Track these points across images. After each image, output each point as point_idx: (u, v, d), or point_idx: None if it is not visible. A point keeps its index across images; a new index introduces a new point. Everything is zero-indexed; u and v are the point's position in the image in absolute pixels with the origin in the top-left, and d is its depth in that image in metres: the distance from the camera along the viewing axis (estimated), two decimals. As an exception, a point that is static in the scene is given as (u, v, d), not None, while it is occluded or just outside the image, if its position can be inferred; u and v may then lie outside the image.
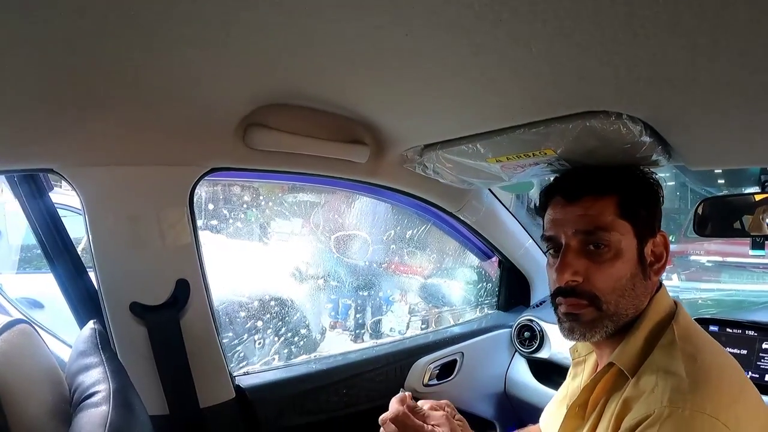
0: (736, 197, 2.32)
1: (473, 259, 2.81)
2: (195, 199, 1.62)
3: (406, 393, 1.41)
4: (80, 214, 1.48)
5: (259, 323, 2.63)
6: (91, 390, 1.05)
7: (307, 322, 3.10)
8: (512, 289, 2.75)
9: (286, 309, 2.87)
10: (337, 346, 3.48)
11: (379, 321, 3.58)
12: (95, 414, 0.99)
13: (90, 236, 1.49)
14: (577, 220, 1.26)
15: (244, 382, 1.85)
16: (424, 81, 1.17)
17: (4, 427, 0.86)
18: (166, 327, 1.58)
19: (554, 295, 1.30)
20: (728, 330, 2.21)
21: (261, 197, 2.95)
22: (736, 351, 2.16)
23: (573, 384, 1.46)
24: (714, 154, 1.47)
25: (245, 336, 2.51)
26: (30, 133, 1.26)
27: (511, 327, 2.57)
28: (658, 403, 1.07)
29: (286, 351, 2.74)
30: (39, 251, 1.67)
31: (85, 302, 1.65)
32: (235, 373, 1.86)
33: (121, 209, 1.50)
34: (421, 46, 0.97)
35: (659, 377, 1.12)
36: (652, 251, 1.26)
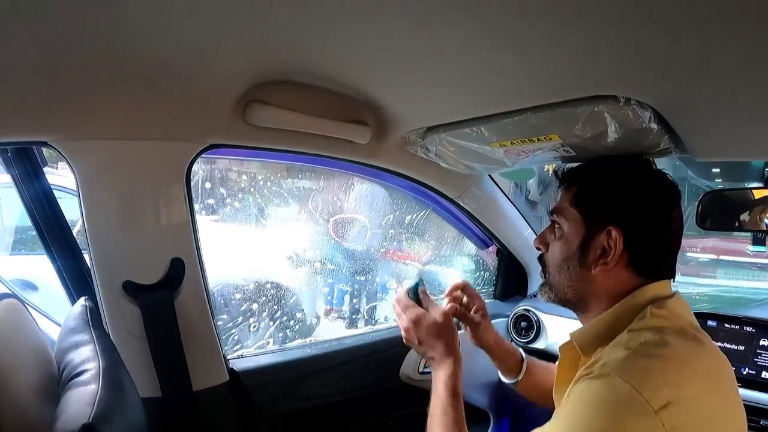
0: (737, 192, 2.30)
1: (471, 247, 2.80)
2: (192, 177, 1.59)
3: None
4: (76, 196, 1.46)
5: (255, 306, 2.61)
6: (81, 368, 1.04)
7: (302, 307, 3.10)
8: (509, 279, 2.75)
9: (282, 293, 2.86)
10: (333, 331, 3.47)
11: (375, 307, 3.58)
12: (84, 392, 0.97)
13: (83, 212, 1.46)
14: (554, 202, 1.44)
15: (239, 365, 1.83)
16: (430, 60, 1.15)
17: (-10, 403, 0.84)
18: (159, 307, 1.55)
19: None
20: (726, 325, 2.21)
21: (259, 179, 2.93)
22: (733, 347, 2.16)
23: None
24: (721, 145, 1.45)
25: (240, 319, 2.49)
26: (23, 104, 1.23)
27: (507, 317, 2.56)
28: (591, 368, 1.15)
29: (281, 335, 2.72)
30: (34, 233, 1.65)
31: (79, 282, 1.64)
32: (229, 356, 1.84)
33: (116, 185, 1.48)
34: (428, 23, 0.95)
35: (605, 353, 1.19)
36: (604, 247, 1.29)
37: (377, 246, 3.21)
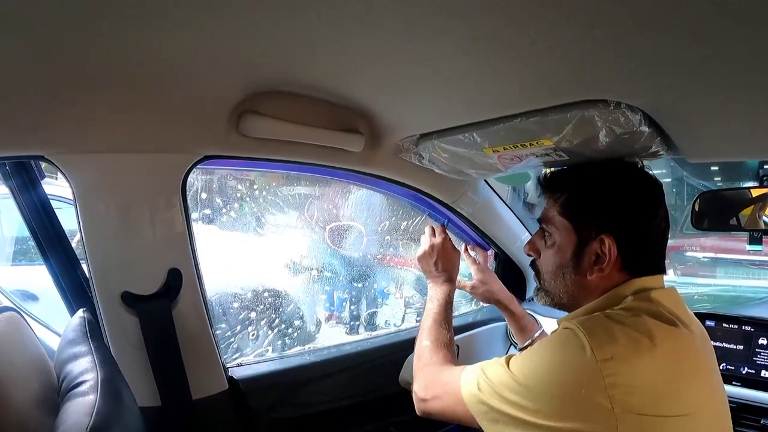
0: (733, 192, 2.31)
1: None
2: (188, 188, 1.60)
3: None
4: (73, 206, 1.47)
5: (253, 314, 2.62)
6: (79, 379, 1.04)
7: (301, 314, 3.10)
8: (507, 282, 2.72)
9: (280, 300, 2.87)
10: (332, 337, 3.47)
11: (374, 313, 3.57)
12: (82, 403, 0.98)
13: (81, 224, 1.47)
14: (542, 210, 1.47)
15: (238, 373, 1.83)
16: (420, 68, 1.15)
17: (-11, 415, 0.85)
18: (157, 317, 1.56)
19: None
20: (724, 325, 2.21)
21: (256, 187, 2.94)
22: (732, 346, 2.16)
23: None
24: (713, 145, 1.46)
25: (238, 327, 2.50)
26: (19, 119, 1.24)
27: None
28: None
29: (279, 343, 2.72)
30: (33, 244, 1.66)
31: (77, 292, 1.65)
32: (228, 365, 1.84)
33: (112, 197, 1.48)
34: (418, 31, 0.96)
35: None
36: (597, 253, 1.33)
37: (374, 252, 3.22)
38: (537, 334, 2.02)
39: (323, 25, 0.97)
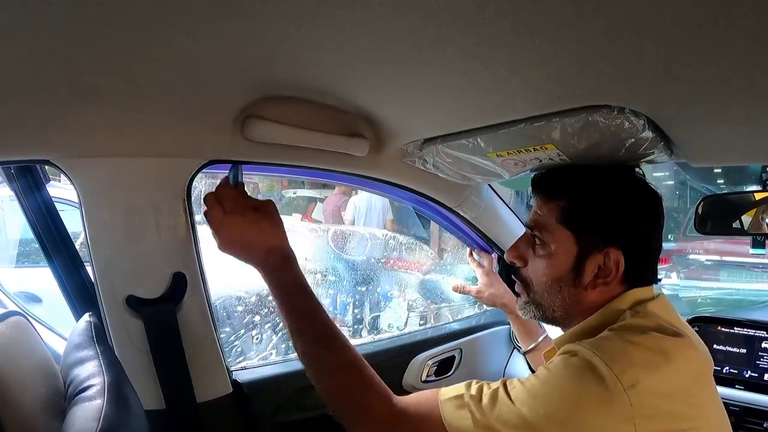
0: (736, 195, 2.32)
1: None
2: (193, 192, 1.60)
3: None
4: (78, 208, 1.47)
5: (257, 318, 2.62)
6: (86, 383, 1.05)
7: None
8: (511, 286, 2.74)
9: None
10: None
11: (377, 317, 3.58)
12: (89, 407, 0.98)
13: (86, 228, 1.48)
14: (532, 214, 1.39)
15: (242, 377, 1.84)
16: (425, 74, 1.16)
17: (-3, 419, 0.85)
18: (162, 321, 1.56)
19: None
20: (728, 329, 2.22)
21: (258, 193, 2.95)
22: (735, 350, 2.17)
23: None
24: (716, 150, 1.46)
25: (242, 331, 2.50)
26: (24, 124, 1.24)
27: (509, 323, 2.56)
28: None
29: (284, 346, 2.73)
30: (37, 245, 1.66)
31: (82, 296, 1.65)
32: (232, 368, 1.85)
33: (117, 201, 1.49)
34: (422, 37, 0.96)
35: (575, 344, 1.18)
36: (599, 267, 1.27)
37: (378, 256, 3.22)
38: (541, 339, 1.96)
39: (328, 31, 0.97)
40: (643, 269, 1.30)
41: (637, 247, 1.28)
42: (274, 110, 1.40)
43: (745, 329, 2.19)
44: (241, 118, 1.40)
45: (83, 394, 1.02)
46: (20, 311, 1.08)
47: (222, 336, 1.84)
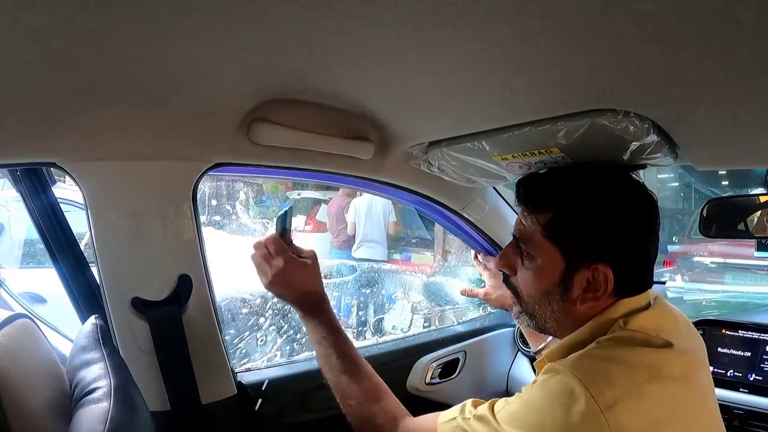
0: (741, 198, 2.31)
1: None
2: (198, 194, 1.61)
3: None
4: (83, 209, 1.48)
5: (262, 320, 2.62)
6: (92, 386, 1.05)
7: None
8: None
9: (288, 306, 2.87)
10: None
11: (381, 319, 3.58)
12: (96, 410, 0.99)
13: (92, 230, 1.48)
14: (517, 224, 1.35)
15: (246, 378, 1.85)
16: (431, 77, 1.16)
17: (3, 422, 0.85)
18: (167, 322, 1.57)
19: None
20: (732, 332, 2.21)
21: (263, 195, 2.96)
22: (739, 353, 2.16)
23: None
24: (721, 154, 1.46)
25: (247, 333, 2.50)
26: (31, 127, 1.25)
27: (514, 326, 2.57)
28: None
29: (288, 348, 2.73)
30: (42, 246, 1.67)
31: (87, 297, 1.66)
32: (236, 370, 1.85)
33: (123, 204, 1.50)
34: (428, 41, 0.97)
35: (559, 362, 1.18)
36: (588, 281, 1.23)
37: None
38: (550, 339, 1.94)
39: (333, 35, 0.97)
40: (635, 280, 1.26)
41: (627, 261, 1.23)
42: (280, 113, 1.40)
43: (749, 332, 2.18)
44: (247, 122, 1.41)
45: (89, 397, 1.03)
46: (27, 313, 1.09)
47: (227, 338, 1.84)
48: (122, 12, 0.87)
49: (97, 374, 1.08)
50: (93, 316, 1.27)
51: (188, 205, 1.57)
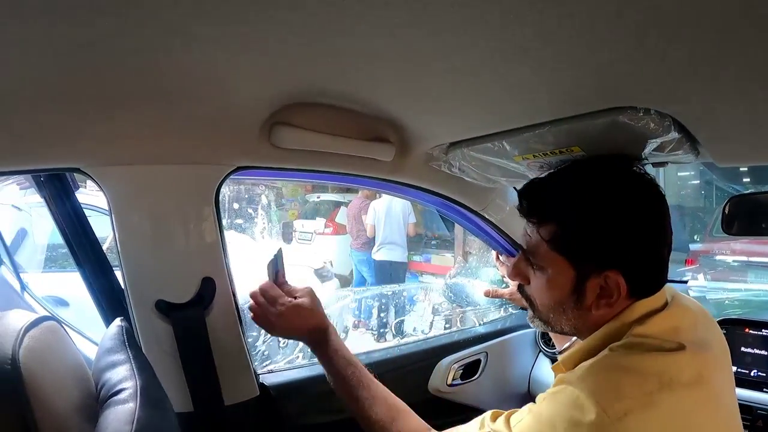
0: (763, 195, 2.29)
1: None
2: (220, 198, 1.62)
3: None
4: (105, 214, 1.49)
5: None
6: (118, 387, 1.06)
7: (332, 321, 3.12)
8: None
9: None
10: (360, 345, 3.48)
11: (402, 321, 3.58)
12: (122, 411, 1.00)
13: (116, 234, 1.50)
14: (523, 236, 1.32)
15: (269, 380, 1.86)
16: (450, 79, 1.16)
17: (32, 423, 0.86)
18: (191, 325, 1.58)
19: None
20: (755, 331, 2.19)
21: (283, 198, 2.98)
22: (763, 352, 2.14)
23: None
24: (743, 150, 1.44)
25: (268, 335, 2.51)
26: (55, 133, 1.27)
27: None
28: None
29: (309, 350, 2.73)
30: (64, 250, 1.69)
31: (111, 300, 1.68)
32: (259, 371, 1.87)
33: (147, 208, 1.51)
34: (446, 43, 0.97)
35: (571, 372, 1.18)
36: (601, 287, 1.19)
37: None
38: (575, 338, 1.92)
39: (354, 38, 0.98)
40: (648, 281, 1.22)
41: (639, 264, 1.20)
42: (301, 117, 1.41)
43: (773, 331, 2.16)
44: (268, 125, 1.42)
45: (116, 398, 1.03)
46: (52, 316, 1.10)
47: (249, 340, 1.85)
48: (142, 17, 0.88)
49: (123, 375, 1.09)
50: (118, 318, 1.28)
51: (211, 209, 1.59)
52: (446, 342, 2.38)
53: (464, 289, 3.08)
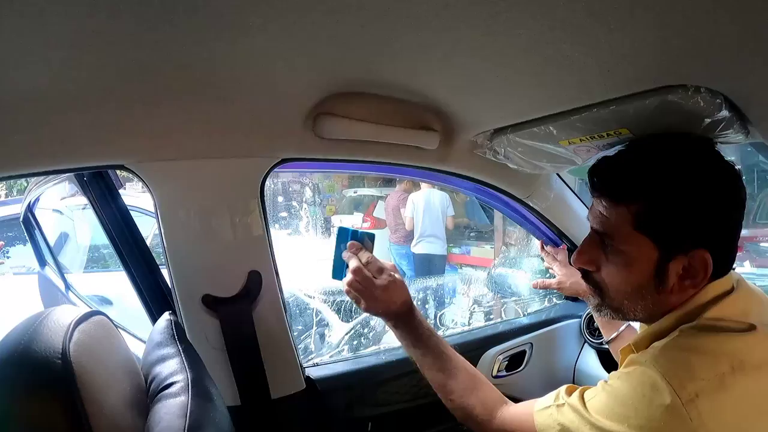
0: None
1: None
2: (265, 191, 1.62)
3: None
4: (145, 214, 1.50)
5: (328, 315, 2.63)
6: (169, 380, 1.06)
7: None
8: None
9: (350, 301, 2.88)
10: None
11: (445, 313, 3.56)
12: (174, 404, 0.99)
13: (162, 230, 1.51)
14: (596, 217, 1.25)
15: (314, 373, 1.86)
16: (497, 61, 1.14)
17: (84, 417, 0.86)
18: (238, 319, 1.59)
19: None
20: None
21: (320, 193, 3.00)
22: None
23: None
24: None
25: (314, 327, 2.52)
26: (99, 130, 1.28)
27: (580, 317, 2.51)
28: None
29: (355, 342, 2.73)
30: (106, 251, 1.71)
31: (157, 296, 1.69)
32: (304, 364, 1.87)
33: (192, 202, 1.52)
34: (495, 24, 0.95)
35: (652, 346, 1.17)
36: (684, 268, 1.15)
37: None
38: (624, 328, 1.87)
39: (398, 25, 0.97)
40: (727, 261, 1.19)
41: (726, 242, 1.17)
42: (345, 106, 1.40)
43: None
44: (312, 116, 1.42)
45: (167, 391, 1.03)
46: (101, 311, 1.10)
47: (294, 333, 1.85)
48: (187, 11, 0.88)
49: (173, 369, 1.09)
50: (167, 312, 1.29)
51: (256, 202, 1.59)
52: (491, 333, 2.35)
53: (507, 280, 3.06)
